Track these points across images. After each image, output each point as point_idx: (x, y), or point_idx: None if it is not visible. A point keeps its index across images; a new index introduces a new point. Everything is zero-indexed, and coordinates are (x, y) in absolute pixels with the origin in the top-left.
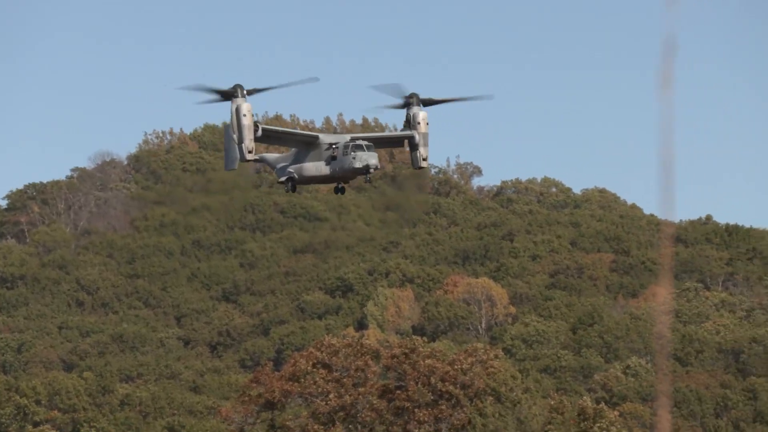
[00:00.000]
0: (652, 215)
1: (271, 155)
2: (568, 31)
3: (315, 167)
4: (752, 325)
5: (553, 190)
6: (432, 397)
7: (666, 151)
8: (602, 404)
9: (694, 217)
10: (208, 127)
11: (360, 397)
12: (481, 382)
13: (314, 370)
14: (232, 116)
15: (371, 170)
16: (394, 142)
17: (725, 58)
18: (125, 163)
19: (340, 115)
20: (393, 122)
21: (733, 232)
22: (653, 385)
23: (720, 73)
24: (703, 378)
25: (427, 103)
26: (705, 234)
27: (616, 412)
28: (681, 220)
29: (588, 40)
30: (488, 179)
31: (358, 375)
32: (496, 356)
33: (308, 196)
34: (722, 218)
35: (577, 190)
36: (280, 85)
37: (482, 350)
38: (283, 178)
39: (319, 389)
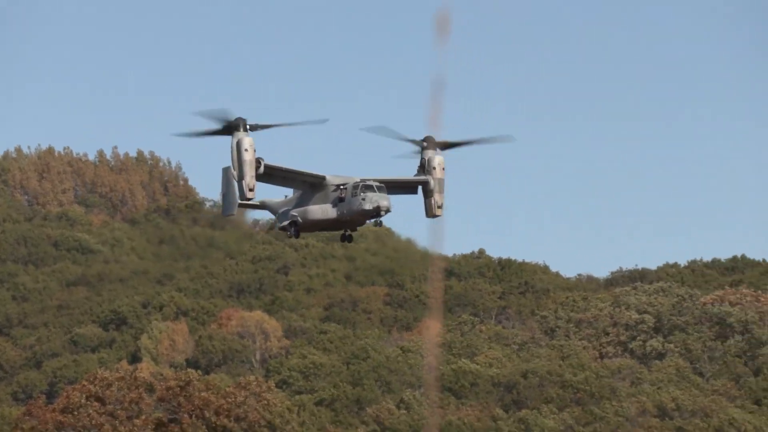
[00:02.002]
0: (424, 249)
1: (273, 200)
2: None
3: (321, 210)
4: (525, 359)
5: None
6: (206, 430)
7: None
8: None
9: (467, 251)
10: None
11: (134, 429)
12: (255, 414)
13: (87, 403)
14: (232, 151)
15: (382, 212)
16: (407, 187)
17: (495, 95)
18: None
19: (115, 147)
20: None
21: (505, 266)
22: (424, 418)
23: (488, 111)
24: (476, 411)
25: (444, 146)
26: (478, 268)
27: None
28: (454, 254)
29: (368, 65)
30: (264, 213)
31: (132, 408)
32: (270, 389)
33: (81, 229)
34: (495, 252)
35: None
36: (286, 123)
37: (255, 383)
38: (285, 223)
39: (93, 422)
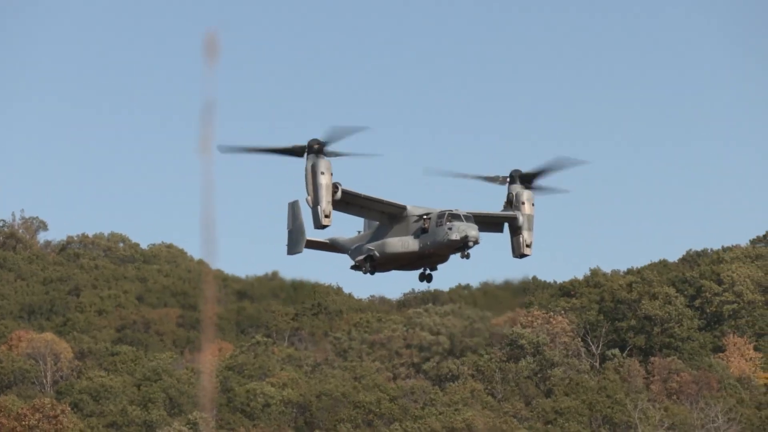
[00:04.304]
0: (219, 270)
1: (343, 237)
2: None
3: (401, 242)
4: (318, 379)
5: (121, 245)
6: None
7: (206, 208)
8: None
9: (261, 272)
10: None
11: None
12: None
13: None
14: (306, 175)
15: (471, 243)
16: (493, 223)
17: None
18: None
19: None
20: None
21: (299, 287)
22: None
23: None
24: None
25: (526, 178)
26: (271, 289)
27: None
28: (247, 276)
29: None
30: (54, 234)
31: None
32: (63, 411)
33: None
34: (289, 274)
35: (144, 245)
36: (363, 153)
37: (49, 406)
38: (360, 258)
39: None
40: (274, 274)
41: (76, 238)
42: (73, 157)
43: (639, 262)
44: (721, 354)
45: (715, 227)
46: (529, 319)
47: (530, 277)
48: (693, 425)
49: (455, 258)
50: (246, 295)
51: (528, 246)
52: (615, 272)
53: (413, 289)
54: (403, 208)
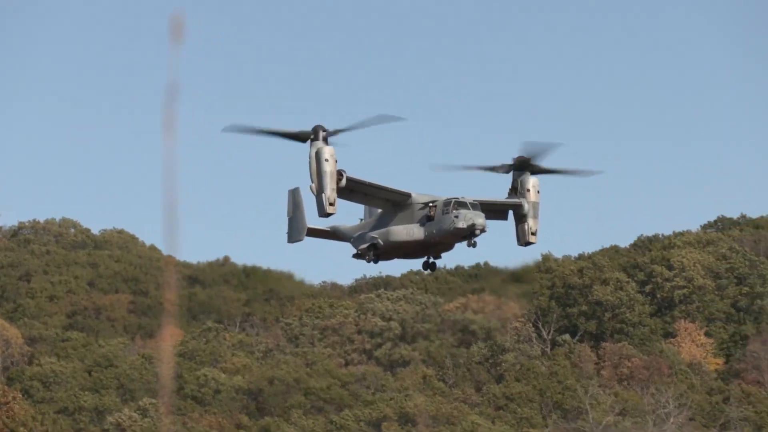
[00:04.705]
0: (170, 256)
1: (345, 225)
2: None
3: (405, 231)
4: (270, 365)
5: (72, 230)
6: None
7: (169, 192)
8: None
9: (212, 258)
10: None
11: None
12: None
13: None
14: (310, 162)
15: (477, 231)
16: (497, 210)
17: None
18: None
19: None
20: None
21: (250, 273)
22: (164, 425)
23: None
24: (218, 418)
25: (536, 170)
26: (222, 275)
27: None
28: (198, 262)
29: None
30: (5, 219)
31: None
32: (14, 398)
33: None
34: (240, 259)
35: (96, 230)
36: (362, 123)
37: (0, 392)
38: (363, 246)
39: None
40: (226, 260)
41: (27, 224)
42: (23, 142)
43: (590, 247)
44: (672, 339)
45: (666, 213)
46: (481, 304)
47: (482, 263)
48: (644, 411)
49: (460, 245)
50: (197, 280)
51: (533, 234)
52: (566, 258)
53: (365, 275)
54: (408, 195)
